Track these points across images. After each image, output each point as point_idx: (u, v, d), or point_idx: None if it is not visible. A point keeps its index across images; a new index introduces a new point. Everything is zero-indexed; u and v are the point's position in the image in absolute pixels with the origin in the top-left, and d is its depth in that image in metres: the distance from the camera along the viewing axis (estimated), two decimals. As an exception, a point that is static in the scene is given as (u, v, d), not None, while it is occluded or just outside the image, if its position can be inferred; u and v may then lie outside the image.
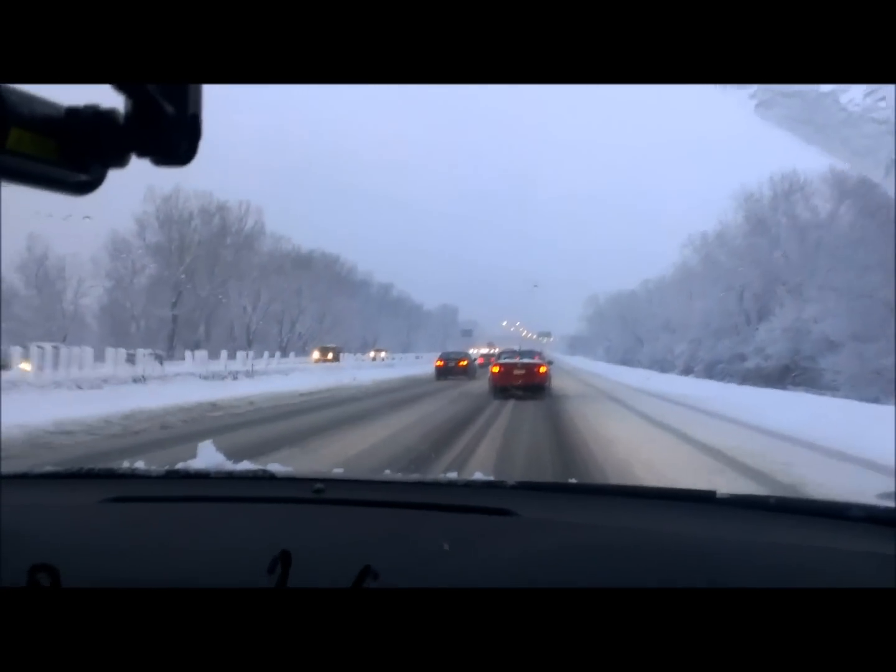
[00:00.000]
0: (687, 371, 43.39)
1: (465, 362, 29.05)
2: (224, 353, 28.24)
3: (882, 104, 1.25)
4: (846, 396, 19.30)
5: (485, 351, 51.22)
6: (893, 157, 1.24)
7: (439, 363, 28.81)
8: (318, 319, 58.56)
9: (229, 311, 49.43)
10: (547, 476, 6.40)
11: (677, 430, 10.64)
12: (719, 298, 37.89)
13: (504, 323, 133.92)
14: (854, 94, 1.27)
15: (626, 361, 59.61)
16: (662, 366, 50.35)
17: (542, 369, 17.48)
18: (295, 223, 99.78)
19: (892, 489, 4.45)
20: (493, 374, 17.75)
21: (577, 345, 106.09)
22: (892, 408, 11.01)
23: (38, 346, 17.81)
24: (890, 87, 1.19)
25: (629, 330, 62.62)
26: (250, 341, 48.16)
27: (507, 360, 18.28)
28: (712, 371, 37.35)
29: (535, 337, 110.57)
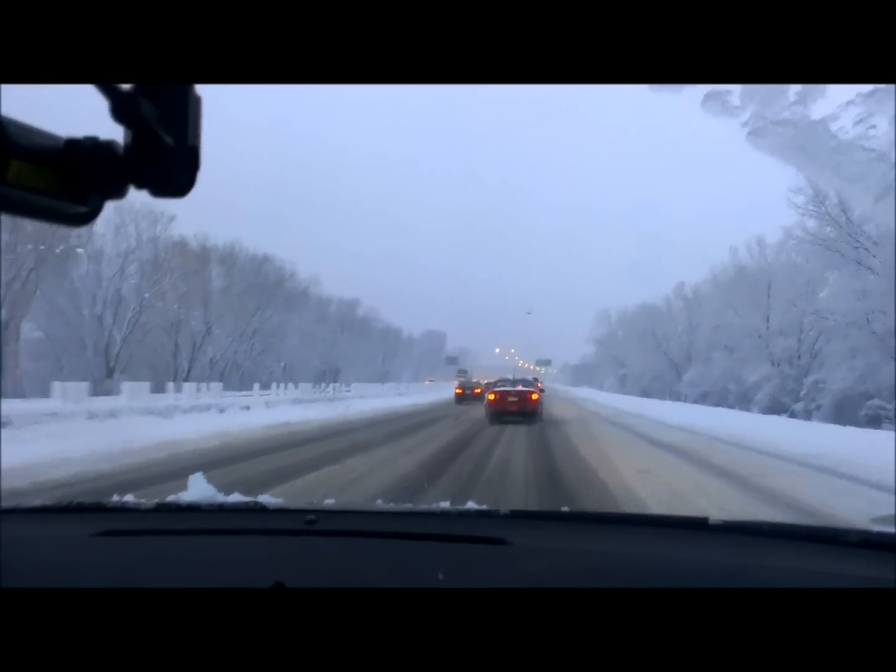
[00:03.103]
0: (774, 408, 27.82)
1: (479, 390, 33.04)
2: None
3: (872, 132, 1.28)
4: None
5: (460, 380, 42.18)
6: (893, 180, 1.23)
7: (458, 391, 34.76)
8: (240, 340, 42.80)
9: (72, 324, 33.23)
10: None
11: None
12: (856, 282, 21.88)
13: (497, 350, 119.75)
14: (844, 122, 1.31)
15: (649, 393, 44.22)
16: (719, 400, 34.89)
17: (535, 396, 19.09)
18: (271, 240, 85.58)
19: (892, 513, 4.19)
20: (489, 400, 19.43)
21: (581, 373, 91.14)
22: None
23: None
24: (880, 114, 1.21)
25: (659, 352, 46.90)
26: (111, 369, 32.37)
27: (501, 388, 19.57)
28: (849, 412, 21.70)
29: (532, 366, 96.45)
